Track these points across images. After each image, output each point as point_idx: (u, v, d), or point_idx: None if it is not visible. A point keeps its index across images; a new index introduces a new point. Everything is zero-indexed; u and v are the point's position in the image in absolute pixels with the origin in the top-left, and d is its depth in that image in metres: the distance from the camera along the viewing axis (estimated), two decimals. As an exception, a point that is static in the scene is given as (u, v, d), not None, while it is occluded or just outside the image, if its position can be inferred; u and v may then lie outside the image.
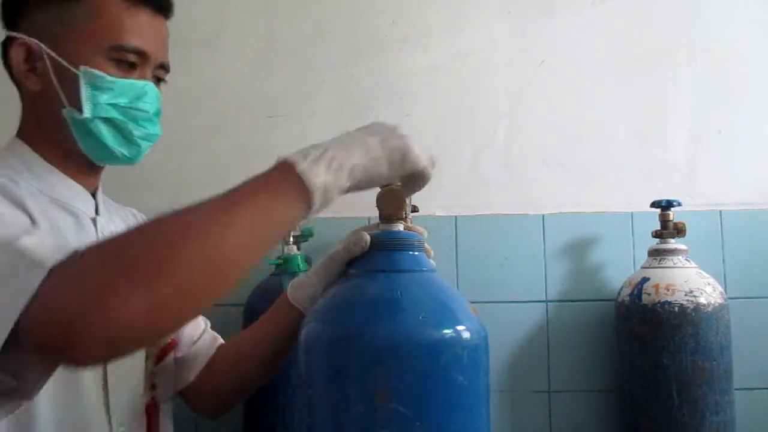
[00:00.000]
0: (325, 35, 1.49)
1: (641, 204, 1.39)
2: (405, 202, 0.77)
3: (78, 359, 0.47)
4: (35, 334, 0.47)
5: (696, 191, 1.45)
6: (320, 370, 0.69)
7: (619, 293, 1.33)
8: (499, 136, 1.48)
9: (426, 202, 1.39)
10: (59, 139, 0.77)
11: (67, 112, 0.75)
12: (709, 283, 1.24)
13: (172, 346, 0.88)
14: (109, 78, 0.75)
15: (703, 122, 1.48)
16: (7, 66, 0.78)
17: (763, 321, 1.39)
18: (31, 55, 0.75)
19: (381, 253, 0.74)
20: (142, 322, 0.47)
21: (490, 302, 1.40)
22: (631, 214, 1.44)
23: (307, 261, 1.21)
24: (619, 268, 1.41)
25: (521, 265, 1.43)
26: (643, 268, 1.32)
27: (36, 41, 0.75)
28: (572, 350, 1.41)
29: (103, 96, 0.75)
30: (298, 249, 1.24)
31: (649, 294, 1.24)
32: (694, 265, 1.28)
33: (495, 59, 1.49)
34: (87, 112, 0.74)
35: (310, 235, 1.28)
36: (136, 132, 0.78)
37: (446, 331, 0.65)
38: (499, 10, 1.50)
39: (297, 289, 0.82)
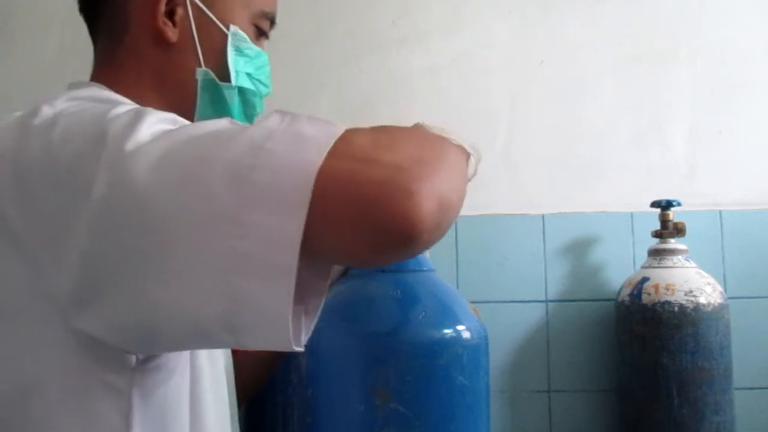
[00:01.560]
0: (325, 35, 1.49)
1: (641, 204, 1.39)
2: None
3: (400, 219, 0.38)
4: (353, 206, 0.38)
5: (696, 191, 1.44)
6: (321, 370, 0.69)
7: (619, 293, 1.33)
8: (499, 136, 1.48)
9: (426, 202, 1.39)
10: (170, 100, 0.65)
11: (203, 72, 0.65)
12: (708, 283, 1.24)
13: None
14: (251, 44, 0.68)
15: (703, 122, 1.48)
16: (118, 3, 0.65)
17: (763, 321, 1.39)
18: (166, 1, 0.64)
19: (381, 253, 0.74)
20: (454, 204, 0.42)
21: (490, 302, 1.40)
22: (631, 214, 1.44)
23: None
24: (619, 268, 1.41)
25: (521, 265, 1.43)
26: (643, 268, 1.32)
27: None
28: (572, 350, 1.41)
29: (241, 63, 0.67)
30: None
31: (649, 294, 1.24)
32: (694, 265, 1.28)
33: (495, 59, 1.49)
34: (236, 79, 0.67)
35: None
36: (258, 108, 0.70)
37: (446, 330, 0.65)
38: (499, 10, 1.50)
39: None
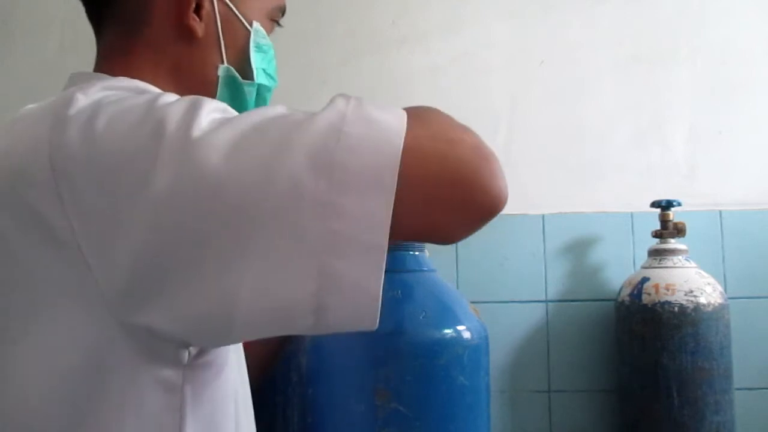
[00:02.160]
0: (325, 35, 1.49)
1: (641, 204, 1.39)
2: None
3: (492, 197, 0.41)
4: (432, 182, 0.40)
5: (696, 191, 1.44)
6: (321, 370, 0.69)
7: (619, 293, 1.33)
8: (499, 136, 1.48)
9: (426, 202, 1.39)
10: (188, 95, 0.64)
11: (224, 69, 0.64)
12: (709, 283, 1.24)
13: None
14: (267, 39, 0.68)
15: (703, 122, 1.48)
16: None
17: (763, 321, 1.39)
18: None
19: (381, 253, 0.74)
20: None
21: (490, 302, 1.40)
22: (631, 214, 1.44)
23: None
24: (619, 268, 1.41)
25: (521, 265, 1.43)
26: (643, 268, 1.32)
27: None
28: (572, 350, 1.41)
29: (259, 59, 0.67)
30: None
31: (649, 294, 1.24)
32: (694, 265, 1.28)
33: (495, 59, 1.49)
34: (257, 76, 0.66)
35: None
36: (267, 102, 0.70)
37: (446, 330, 0.65)
38: (499, 10, 1.50)
39: None
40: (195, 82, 0.63)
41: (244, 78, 0.65)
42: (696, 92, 1.48)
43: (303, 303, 0.40)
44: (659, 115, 1.48)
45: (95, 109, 0.45)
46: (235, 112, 0.46)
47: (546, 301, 1.42)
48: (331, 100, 0.44)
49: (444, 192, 0.40)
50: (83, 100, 0.46)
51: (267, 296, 0.40)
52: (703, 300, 1.21)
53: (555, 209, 1.45)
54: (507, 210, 1.44)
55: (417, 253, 0.75)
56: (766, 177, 1.45)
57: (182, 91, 0.60)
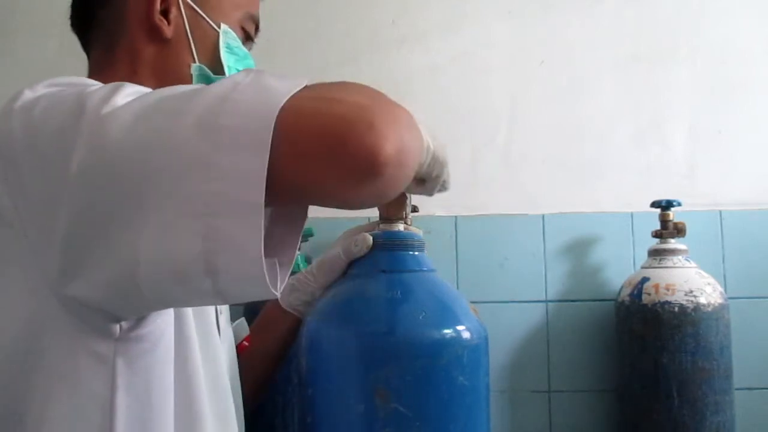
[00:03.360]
0: (325, 35, 1.49)
1: (641, 204, 1.39)
2: (406, 202, 0.77)
3: (367, 153, 0.41)
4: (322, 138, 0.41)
5: (696, 191, 1.44)
6: (321, 370, 0.69)
7: (619, 293, 1.33)
8: (499, 136, 1.48)
9: (426, 202, 1.39)
10: None
11: (197, 68, 0.68)
12: (709, 283, 1.24)
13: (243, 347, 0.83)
14: (240, 45, 0.71)
15: (703, 122, 1.48)
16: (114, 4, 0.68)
17: (763, 321, 1.39)
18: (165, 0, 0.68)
19: (381, 253, 0.74)
20: (412, 153, 0.44)
21: (490, 302, 1.40)
22: (631, 214, 1.44)
23: (308, 261, 1.21)
24: (619, 268, 1.41)
25: (521, 265, 1.43)
26: (643, 268, 1.32)
27: None
28: (572, 350, 1.41)
29: (232, 60, 0.70)
30: (299, 249, 1.24)
31: (649, 294, 1.24)
32: (694, 265, 1.28)
33: (495, 59, 1.49)
34: (227, 72, 0.69)
35: (311, 234, 1.28)
36: None
37: (446, 331, 0.65)
38: (499, 10, 1.50)
39: (291, 293, 0.81)
40: (171, 82, 0.64)
41: (216, 76, 0.68)
42: (696, 92, 1.48)
43: (194, 264, 0.42)
44: (659, 115, 1.48)
45: (36, 100, 0.49)
46: (124, 89, 0.49)
47: (546, 301, 1.42)
48: (233, 74, 0.46)
49: (314, 147, 0.41)
50: (29, 94, 0.51)
51: (161, 256, 0.42)
52: (703, 300, 1.21)
53: (555, 209, 1.45)
54: (507, 210, 1.44)
55: (417, 253, 0.75)
56: (766, 177, 1.45)
57: (159, 86, 0.64)
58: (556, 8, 1.50)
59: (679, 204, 1.33)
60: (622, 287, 1.33)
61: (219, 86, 0.43)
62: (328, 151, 0.41)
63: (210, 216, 0.40)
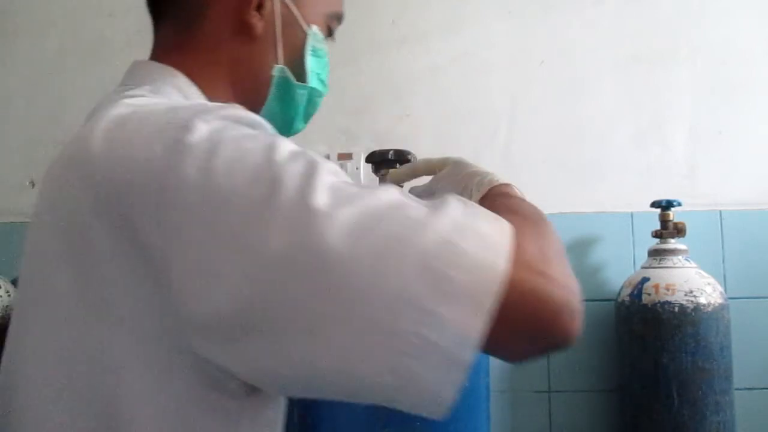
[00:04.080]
0: (325, 35, 1.49)
1: (641, 204, 1.39)
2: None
3: (566, 337, 0.42)
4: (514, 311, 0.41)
5: (696, 191, 1.44)
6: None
7: (619, 293, 1.33)
8: (499, 136, 1.48)
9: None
10: (242, 92, 0.64)
11: (279, 69, 0.64)
12: (709, 283, 1.24)
13: None
14: (324, 45, 0.68)
15: (703, 122, 1.48)
16: None
17: (763, 321, 1.39)
18: None
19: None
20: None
21: (490, 302, 1.40)
22: (631, 214, 1.44)
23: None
24: (619, 268, 1.41)
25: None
26: (643, 268, 1.32)
27: None
28: (572, 350, 1.40)
29: (314, 63, 0.67)
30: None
31: (649, 294, 1.24)
32: (694, 265, 1.28)
33: (495, 59, 1.49)
34: (310, 80, 0.66)
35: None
36: (317, 108, 0.70)
37: (446, 330, 0.65)
38: (499, 9, 1.50)
39: None
40: (249, 81, 0.64)
41: (297, 80, 0.65)
42: (696, 92, 1.48)
43: (375, 392, 0.42)
44: (659, 115, 1.48)
45: (215, 143, 0.44)
46: (344, 175, 0.46)
47: (546, 301, 1.42)
48: (444, 201, 0.44)
49: (522, 324, 0.42)
50: (203, 128, 0.45)
51: (345, 378, 0.42)
52: (703, 300, 1.21)
53: (555, 209, 1.45)
54: (507, 210, 1.40)
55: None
56: (766, 177, 1.45)
57: (237, 88, 0.63)
58: (556, 8, 1.50)
59: (679, 204, 1.33)
60: (622, 287, 1.33)
61: (439, 224, 0.42)
62: (532, 330, 0.42)
63: (411, 357, 0.40)
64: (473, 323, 0.40)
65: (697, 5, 1.50)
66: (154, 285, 0.44)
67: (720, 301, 1.23)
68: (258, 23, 0.62)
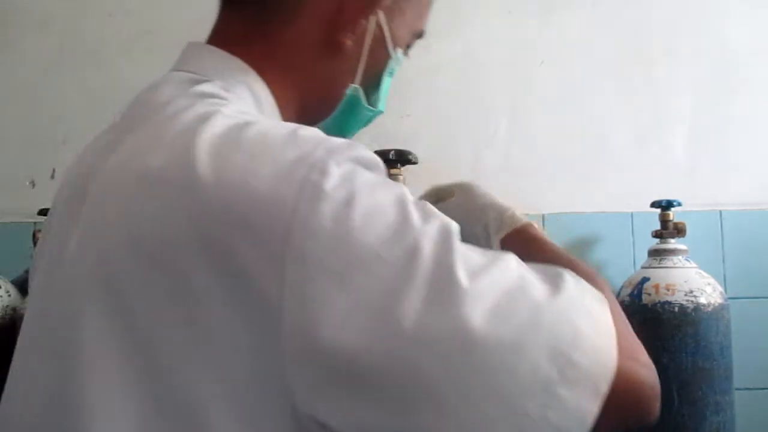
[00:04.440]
0: (325, 35, 1.49)
1: (641, 204, 1.38)
2: None
3: (653, 416, 0.46)
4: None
5: (696, 191, 1.44)
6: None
7: (619, 293, 1.33)
8: (499, 136, 1.48)
9: (426, 202, 1.39)
10: (309, 104, 0.60)
11: (354, 89, 0.60)
12: (709, 283, 1.24)
13: None
14: (399, 68, 0.64)
15: (703, 122, 1.48)
16: None
17: (763, 321, 1.39)
18: (356, 10, 0.58)
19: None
20: None
21: (490, 302, 1.40)
22: (631, 214, 1.44)
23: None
24: (619, 268, 1.41)
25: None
26: (643, 268, 1.32)
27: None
28: (572, 350, 1.41)
29: (386, 85, 0.63)
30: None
31: (649, 294, 1.24)
32: (694, 265, 1.28)
33: (495, 59, 1.49)
34: (381, 103, 0.63)
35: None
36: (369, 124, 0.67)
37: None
38: (499, 9, 1.50)
39: None
40: (320, 94, 0.60)
41: (367, 101, 0.62)
42: (696, 92, 1.48)
43: None
44: (659, 115, 1.48)
45: (351, 193, 0.41)
46: (455, 233, 0.44)
47: (546, 301, 1.42)
48: (561, 277, 0.45)
49: (625, 408, 0.44)
50: (336, 172, 0.42)
51: None
52: (703, 300, 1.21)
53: (555, 209, 1.45)
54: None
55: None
56: (766, 177, 1.45)
57: (306, 99, 0.59)
58: (556, 8, 1.50)
59: (679, 204, 1.33)
60: (622, 287, 1.33)
61: (563, 305, 0.43)
62: (629, 413, 0.44)
63: None
64: (590, 407, 0.41)
65: (697, 5, 1.50)
66: (261, 332, 0.40)
67: (720, 301, 1.23)
68: (348, 42, 0.57)
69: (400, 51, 0.62)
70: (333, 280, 0.40)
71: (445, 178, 1.51)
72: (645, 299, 1.24)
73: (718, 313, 1.21)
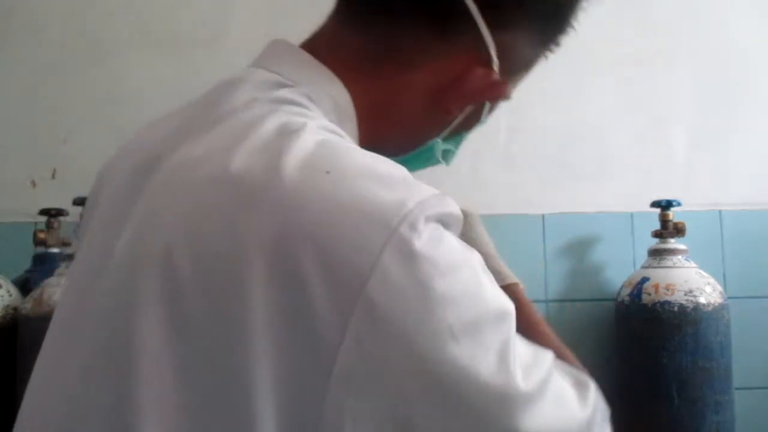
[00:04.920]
0: (326, 35, 1.49)
1: (641, 204, 1.39)
2: None
3: None
4: None
5: (696, 191, 1.44)
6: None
7: (619, 293, 1.33)
8: (499, 136, 1.48)
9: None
10: (391, 144, 0.57)
11: (435, 144, 0.60)
12: (708, 283, 1.24)
13: None
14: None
15: (703, 122, 1.48)
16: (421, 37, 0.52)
17: (763, 321, 1.39)
18: (476, 92, 0.56)
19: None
20: None
21: (490, 302, 1.40)
22: (631, 214, 1.44)
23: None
24: (619, 268, 1.41)
25: (521, 265, 1.42)
26: (643, 267, 1.32)
27: (492, 53, 0.54)
28: (572, 350, 1.40)
29: (463, 141, 0.65)
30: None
31: (649, 294, 1.24)
32: (693, 264, 1.28)
33: (495, 59, 1.49)
34: (451, 160, 0.64)
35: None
36: None
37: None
38: (499, 10, 1.50)
39: None
40: (404, 136, 0.58)
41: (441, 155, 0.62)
42: (696, 92, 1.48)
43: None
44: (659, 115, 1.48)
45: (436, 262, 0.39)
46: (513, 319, 0.44)
47: (546, 301, 1.42)
48: (587, 386, 0.53)
49: None
50: (425, 232, 0.40)
51: None
52: (702, 300, 1.21)
53: (555, 209, 1.45)
54: (507, 210, 1.43)
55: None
56: (766, 177, 1.45)
57: (387, 137, 0.56)
58: (556, 8, 1.50)
59: (679, 204, 1.33)
60: (622, 287, 1.33)
61: (589, 412, 0.49)
62: None
63: None
64: None
65: (697, 6, 1.50)
66: (307, 359, 0.38)
67: (720, 300, 1.23)
68: (455, 111, 0.57)
69: (486, 117, 0.62)
70: (398, 343, 0.38)
71: (446, 178, 1.51)
72: (645, 299, 1.24)
73: (718, 312, 1.21)
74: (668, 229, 1.32)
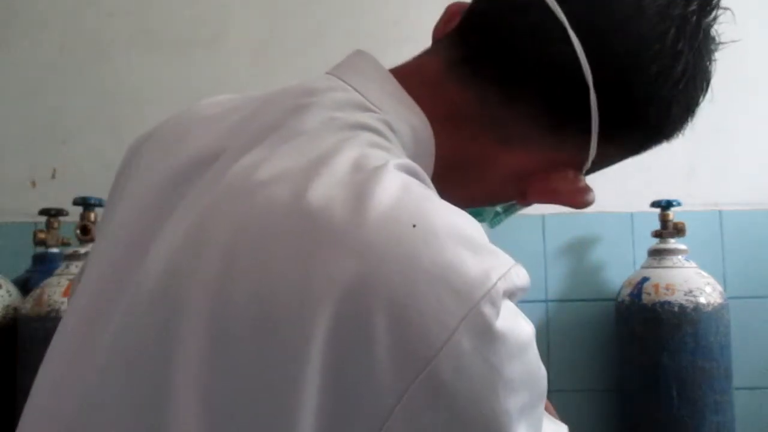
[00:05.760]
0: (325, 35, 1.49)
1: (641, 204, 1.39)
2: None
3: None
4: None
5: (696, 191, 1.45)
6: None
7: (619, 293, 1.33)
8: (499, 136, 1.48)
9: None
10: (451, 194, 0.52)
11: (492, 212, 0.62)
12: (708, 283, 1.25)
13: None
14: None
15: (703, 122, 1.47)
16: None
17: (763, 321, 1.39)
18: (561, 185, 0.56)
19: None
20: None
21: (490, 302, 1.40)
22: (631, 214, 1.44)
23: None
24: (619, 268, 1.41)
25: (521, 265, 1.43)
26: (643, 268, 1.32)
27: (590, 161, 0.56)
28: (572, 350, 1.41)
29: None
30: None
31: (649, 294, 1.24)
32: (693, 264, 1.28)
33: (495, 59, 1.49)
34: (496, 225, 0.66)
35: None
36: None
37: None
38: (499, 10, 1.50)
39: None
40: (467, 197, 0.56)
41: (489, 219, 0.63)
42: (696, 92, 1.48)
43: None
44: (659, 115, 1.48)
45: (511, 347, 0.38)
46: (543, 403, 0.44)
47: (546, 301, 1.42)
48: None
49: None
50: (505, 311, 0.39)
51: None
52: (702, 300, 1.21)
53: (555, 209, 1.45)
54: (507, 210, 1.40)
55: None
56: (766, 177, 1.45)
57: (454, 192, 0.52)
58: (556, 8, 1.50)
59: (679, 204, 1.33)
60: (622, 287, 1.33)
61: None
62: None
63: None
64: None
65: (697, 5, 1.50)
66: (355, 414, 0.35)
67: (720, 300, 1.23)
68: (532, 200, 0.57)
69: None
70: (456, 422, 0.36)
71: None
72: (645, 299, 1.24)
73: (718, 312, 1.22)
74: (668, 229, 1.32)
